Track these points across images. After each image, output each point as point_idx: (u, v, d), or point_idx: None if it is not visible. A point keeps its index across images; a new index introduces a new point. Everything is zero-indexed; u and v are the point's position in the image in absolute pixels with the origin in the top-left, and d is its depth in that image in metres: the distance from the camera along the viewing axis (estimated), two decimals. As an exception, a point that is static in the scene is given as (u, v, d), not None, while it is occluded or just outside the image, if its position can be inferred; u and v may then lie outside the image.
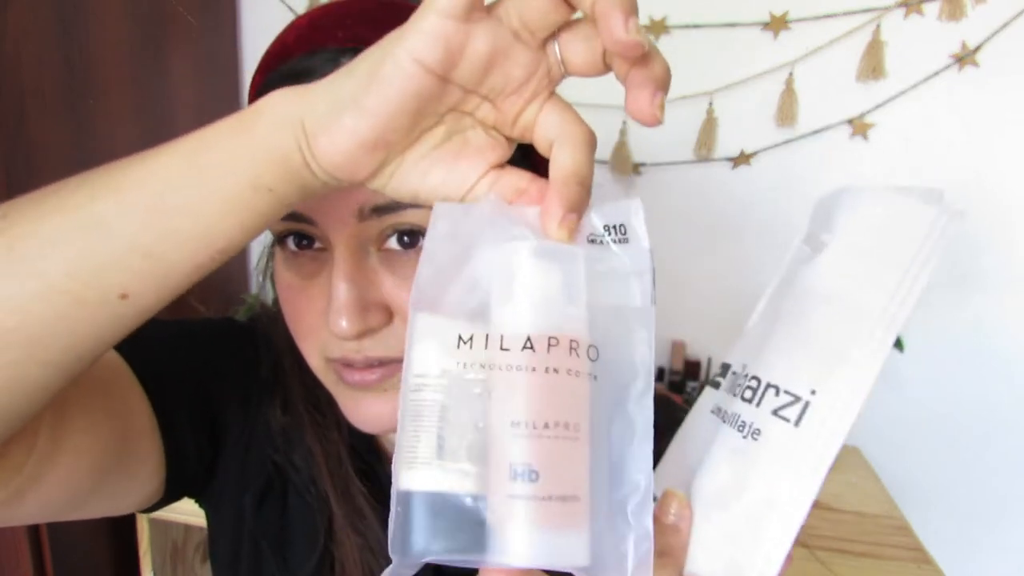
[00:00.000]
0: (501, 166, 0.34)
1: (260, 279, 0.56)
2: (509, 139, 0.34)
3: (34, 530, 1.06)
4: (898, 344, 1.24)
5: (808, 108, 1.29)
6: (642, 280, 0.32)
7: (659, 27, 1.29)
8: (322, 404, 0.53)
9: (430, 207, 0.41)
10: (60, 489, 0.41)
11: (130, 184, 0.31)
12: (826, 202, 0.36)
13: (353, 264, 0.41)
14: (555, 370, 0.29)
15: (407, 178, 0.33)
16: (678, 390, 1.37)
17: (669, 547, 0.35)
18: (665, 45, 1.30)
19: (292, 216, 0.42)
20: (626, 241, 0.32)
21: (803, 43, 1.27)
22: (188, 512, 0.57)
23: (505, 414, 0.29)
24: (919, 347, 1.31)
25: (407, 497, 0.29)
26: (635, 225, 0.32)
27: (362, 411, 0.45)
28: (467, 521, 0.29)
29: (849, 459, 1.33)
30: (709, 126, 1.31)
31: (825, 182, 1.37)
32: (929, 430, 1.38)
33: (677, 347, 1.38)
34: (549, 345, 0.29)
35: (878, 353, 0.31)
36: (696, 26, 1.29)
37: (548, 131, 0.32)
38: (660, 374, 1.39)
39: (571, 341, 0.30)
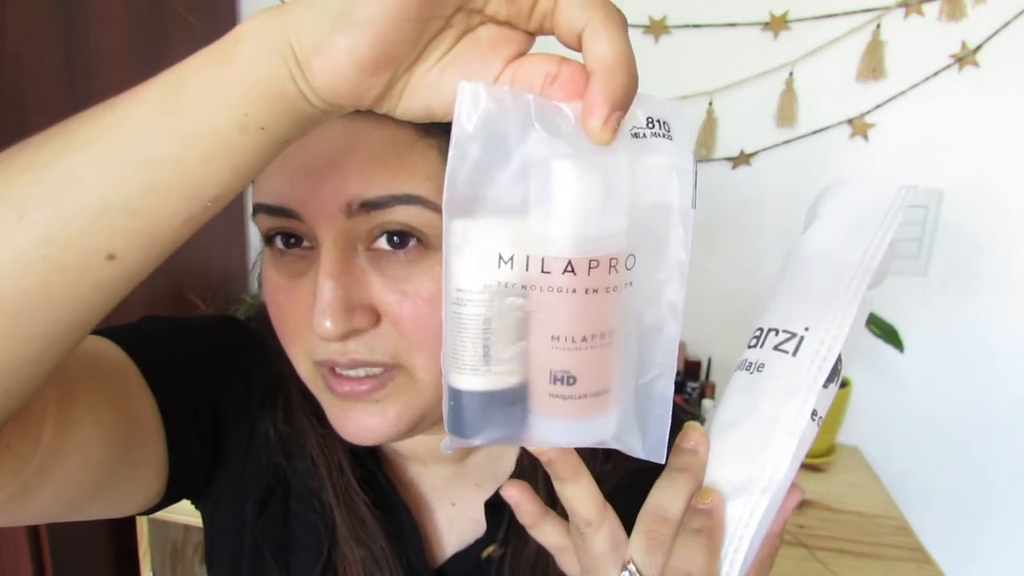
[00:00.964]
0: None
1: (258, 280, 0.55)
2: (527, 33, 0.30)
3: (34, 530, 1.06)
4: (898, 344, 1.24)
5: (808, 108, 1.29)
6: (683, 178, 0.31)
7: (659, 27, 1.29)
8: (321, 411, 0.53)
9: (430, 201, 0.40)
10: (65, 487, 0.41)
11: (101, 133, 0.28)
12: (819, 195, 0.44)
13: (340, 262, 0.40)
14: (595, 290, 0.30)
15: (417, 94, 0.29)
16: (678, 390, 1.36)
17: (688, 465, 0.38)
18: (665, 45, 1.30)
19: (278, 211, 0.41)
20: (669, 138, 0.31)
21: (803, 43, 1.27)
22: (188, 512, 0.57)
23: (545, 329, 0.30)
24: (919, 347, 1.31)
25: (457, 394, 0.32)
26: (678, 128, 0.31)
27: (351, 423, 0.44)
28: (510, 411, 0.32)
29: (849, 459, 1.33)
30: (709, 126, 1.31)
31: (825, 182, 1.37)
32: (929, 430, 1.38)
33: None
34: (590, 268, 0.29)
35: (857, 294, 0.38)
36: (696, 26, 1.29)
37: (573, 18, 0.27)
38: (660, 374, 1.39)
39: (611, 260, 0.30)
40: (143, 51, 1.19)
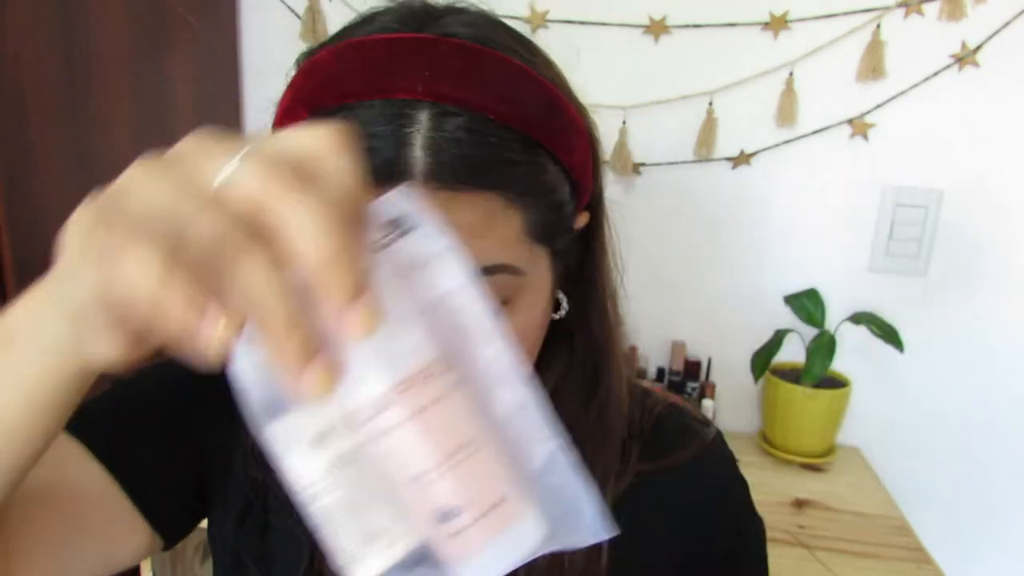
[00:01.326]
0: None
1: None
2: None
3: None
4: (898, 344, 1.24)
5: (808, 108, 1.29)
6: (443, 258, 0.29)
7: (659, 27, 1.29)
8: None
9: (514, 267, 0.41)
10: None
11: None
12: None
13: None
14: (424, 408, 0.28)
15: None
16: (678, 390, 1.36)
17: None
18: (665, 45, 1.30)
19: None
20: (409, 230, 0.29)
21: (803, 43, 1.27)
22: (188, 512, 0.58)
23: (403, 473, 0.29)
24: (919, 347, 1.31)
25: None
26: (410, 212, 0.29)
27: None
28: (425, 572, 0.30)
29: (849, 459, 1.33)
30: (709, 126, 1.31)
31: (825, 182, 1.38)
32: (929, 430, 1.38)
33: (677, 347, 1.38)
34: (405, 390, 0.28)
35: None
36: (696, 26, 1.29)
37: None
38: (660, 374, 1.39)
39: (422, 371, 0.28)
40: (143, 51, 1.19)
